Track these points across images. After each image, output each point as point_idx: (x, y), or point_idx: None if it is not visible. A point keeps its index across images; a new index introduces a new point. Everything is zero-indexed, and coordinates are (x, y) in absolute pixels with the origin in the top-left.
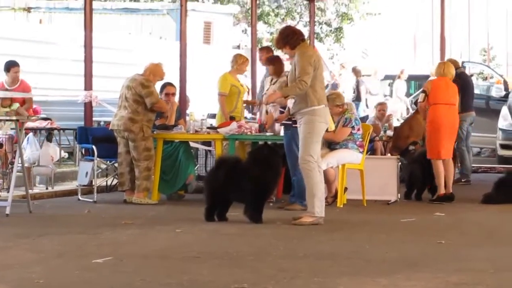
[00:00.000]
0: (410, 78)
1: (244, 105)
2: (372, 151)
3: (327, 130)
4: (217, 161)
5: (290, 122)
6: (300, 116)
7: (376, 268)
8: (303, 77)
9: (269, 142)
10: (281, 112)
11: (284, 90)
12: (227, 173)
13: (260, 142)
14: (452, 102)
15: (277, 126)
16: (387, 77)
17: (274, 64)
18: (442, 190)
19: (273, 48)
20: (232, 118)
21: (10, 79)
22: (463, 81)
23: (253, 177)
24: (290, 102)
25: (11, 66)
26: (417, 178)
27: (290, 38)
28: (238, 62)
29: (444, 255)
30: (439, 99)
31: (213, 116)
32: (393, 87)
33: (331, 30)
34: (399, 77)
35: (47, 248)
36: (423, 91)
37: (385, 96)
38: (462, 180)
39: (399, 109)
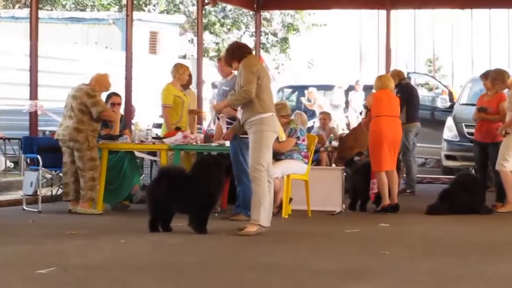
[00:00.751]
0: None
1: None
2: (317, 161)
3: (277, 140)
4: (160, 171)
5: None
6: (249, 126)
7: (320, 280)
8: (247, 86)
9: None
10: (228, 123)
11: (229, 100)
12: (170, 183)
13: (205, 153)
14: (394, 114)
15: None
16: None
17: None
18: (386, 201)
19: None
20: (178, 129)
21: None
22: (407, 92)
23: (197, 188)
24: (239, 113)
25: None
26: (361, 189)
27: (236, 52)
28: (179, 71)
29: (388, 266)
30: (380, 112)
31: (158, 126)
32: (349, 98)
33: (277, 41)
34: (355, 88)
35: None
36: (365, 107)
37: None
38: (408, 191)
39: (355, 121)
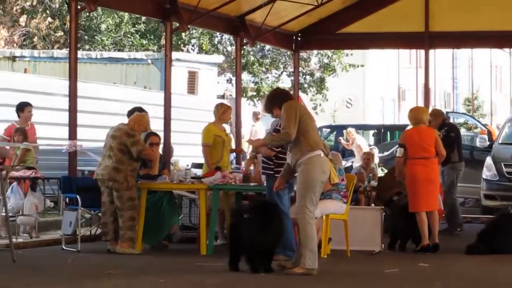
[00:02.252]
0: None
1: (232, 154)
2: (356, 201)
3: (330, 182)
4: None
5: (272, 172)
6: (298, 166)
7: None
8: (287, 128)
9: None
10: (264, 162)
11: (268, 139)
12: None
13: (244, 193)
14: (427, 155)
15: (263, 176)
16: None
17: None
18: (426, 240)
19: None
20: (218, 168)
21: (22, 120)
22: (457, 131)
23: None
24: (288, 157)
25: (24, 106)
26: (401, 229)
27: (277, 98)
28: (220, 111)
29: None
30: (414, 154)
31: (197, 166)
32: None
33: (313, 81)
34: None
35: None
36: (400, 145)
37: (370, 146)
38: (458, 230)
39: None
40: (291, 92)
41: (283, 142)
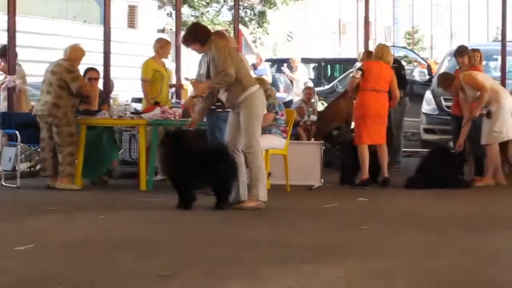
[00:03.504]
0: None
1: (170, 89)
2: (295, 136)
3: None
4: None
5: (214, 107)
6: (240, 104)
7: (298, 255)
8: (227, 70)
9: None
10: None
11: (211, 82)
12: None
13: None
14: (382, 89)
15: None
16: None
17: None
18: (365, 175)
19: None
20: (157, 103)
21: None
22: (404, 68)
23: None
24: (222, 95)
25: None
26: (349, 163)
27: (200, 34)
28: (157, 46)
29: (366, 241)
30: (367, 85)
31: (137, 100)
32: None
33: (254, 14)
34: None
35: None
36: (360, 69)
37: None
38: (395, 167)
39: None
40: (231, 26)
41: (227, 83)
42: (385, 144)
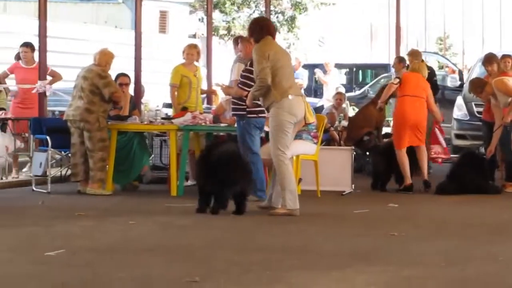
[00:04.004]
0: (368, 67)
1: (202, 95)
2: (327, 141)
3: (306, 122)
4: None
5: (244, 113)
6: (268, 111)
7: (328, 262)
8: (261, 75)
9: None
10: (234, 104)
11: (252, 95)
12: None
13: (215, 133)
14: (419, 95)
15: (227, 114)
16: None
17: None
18: (408, 180)
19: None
20: (185, 109)
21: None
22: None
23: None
24: (224, 103)
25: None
26: (381, 170)
27: (254, 31)
28: (184, 52)
29: (396, 248)
30: (405, 91)
31: (168, 105)
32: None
33: (285, 19)
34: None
35: None
36: (398, 78)
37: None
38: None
39: None
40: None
41: (264, 90)
42: (424, 147)
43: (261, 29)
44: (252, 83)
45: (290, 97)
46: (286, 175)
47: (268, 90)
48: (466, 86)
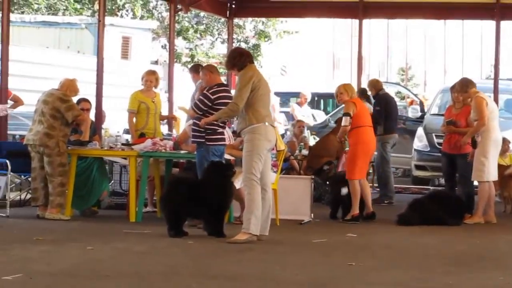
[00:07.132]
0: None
1: (162, 121)
2: (287, 170)
3: (277, 149)
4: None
5: (203, 140)
6: (243, 135)
7: None
8: (236, 100)
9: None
10: (194, 130)
11: (218, 114)
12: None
13: (174, 160)
14: (371, 124)
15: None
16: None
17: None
18: (356, 210)
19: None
20: (143, 135)
21: None
22: (386, 103)
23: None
24: (235, 125)
25: None
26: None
27: (237, 60)
28: (143, 78)
29: (353, 277)
30: (364, 122)
31: (128, 132)
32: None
33: (248, 47)
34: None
35: None
36: (348, 114)
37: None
38: (386, 202)
39: None
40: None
41: (232, 114)
42: (366, 180)
43: (242, 56)
44: (205, 108)
45: (266, 123)
46: (256, 199)
47: (244, 114)
48: (427, 117)
